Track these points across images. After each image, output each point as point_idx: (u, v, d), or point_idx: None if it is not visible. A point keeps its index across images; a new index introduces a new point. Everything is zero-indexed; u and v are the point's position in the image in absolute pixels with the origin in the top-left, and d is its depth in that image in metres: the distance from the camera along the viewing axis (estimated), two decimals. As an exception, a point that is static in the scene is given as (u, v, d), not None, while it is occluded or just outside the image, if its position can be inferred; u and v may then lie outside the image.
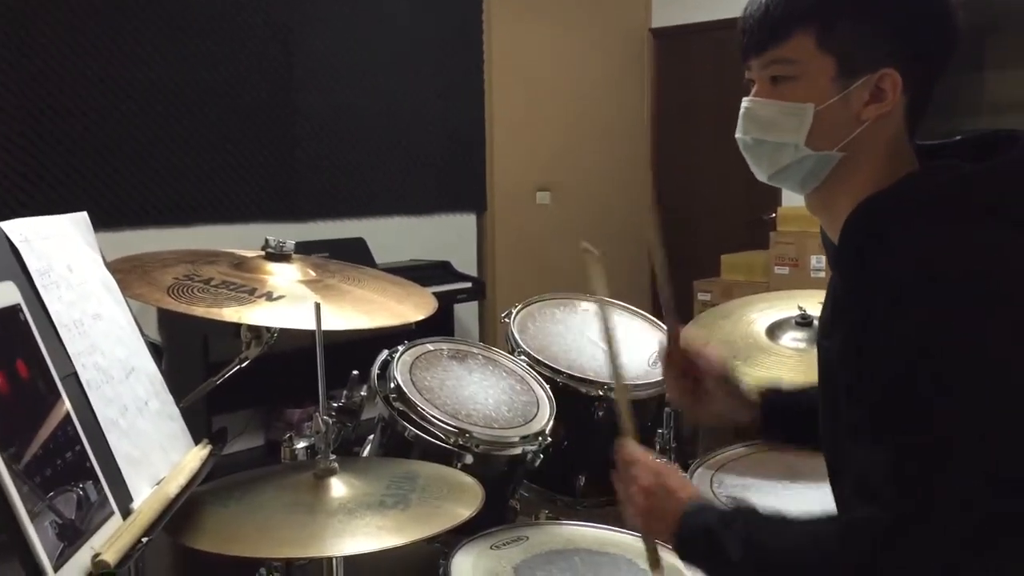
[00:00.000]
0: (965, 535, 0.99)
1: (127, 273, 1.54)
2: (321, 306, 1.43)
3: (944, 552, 0.98)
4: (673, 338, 1.40)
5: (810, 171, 1.15)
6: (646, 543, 1.27)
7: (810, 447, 1.37)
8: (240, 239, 3.94)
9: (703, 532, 1.14)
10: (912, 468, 0.98)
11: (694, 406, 1.44)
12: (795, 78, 1.12)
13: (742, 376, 1.43)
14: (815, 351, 1.27)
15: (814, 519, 1.12)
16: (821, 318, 1.28)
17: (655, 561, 1.27)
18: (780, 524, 1.13)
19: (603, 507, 2.03)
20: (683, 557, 1.19)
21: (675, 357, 1.41)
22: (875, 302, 1.03)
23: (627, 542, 1.62)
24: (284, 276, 1.70)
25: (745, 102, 1.18)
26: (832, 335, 1.17)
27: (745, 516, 1.15)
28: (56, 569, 0.92)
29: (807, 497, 1.77)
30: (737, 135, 1.20)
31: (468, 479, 1.53)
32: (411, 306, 1.76)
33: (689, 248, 5.89)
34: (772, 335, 2.14)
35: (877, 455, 1.01)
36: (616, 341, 1.39)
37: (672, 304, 1.36)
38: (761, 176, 1.21)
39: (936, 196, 1.07)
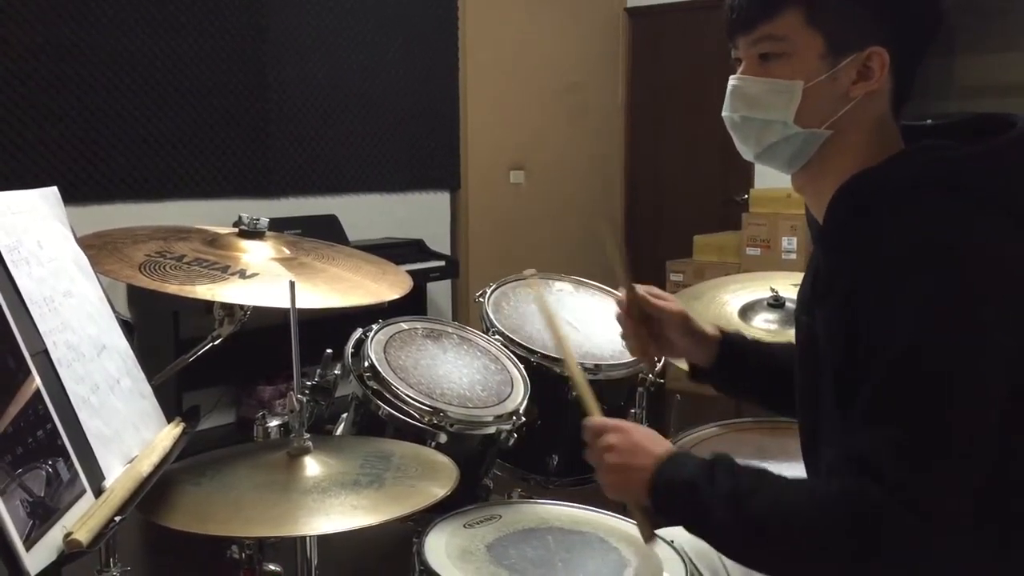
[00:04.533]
0: (968, 517, 1.00)
1: (98, 249, 1.53)
2: (295, 285, 1.42)
3: (947, 534, 0.99)
4: (629, 297, 1.49)
5: (798, 149, 1.15)
6: (634, 513, 1.23)
7: (749, 399, 1.47)
8: (212, 214, 3.90)
9: (684, 485, 1.11)
10: (917, 451, 0.98)
11: (654, 352, 1.54)
12: (784, 55, 1.12)
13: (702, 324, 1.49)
14: (787, 332, 1.29)
15: (801, 481, 1.12)
16: (800, 294, 1.29)
17: (648, 533, 1.23)
18: (766, 480, 1.10)
19: (576, 486, 2.04)
20: (661, 511, 1.16)
21: (632, 313, 1.49)
22: (870, 283, 1.04)
23: (600, 520, 1.63)
24: (258, 253, 1.69)
25: (733, 80, 1.18)
26: (814, 311, 1.17)
27: (727, 468, 1.11)
28: (28, 548, 0.91)
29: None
30: (724, 113, 1.20)
31: (442, 458, 1.53)
32: (386, 285, 1.76)
33: (662, 229, 5.91)
34: (744, 316, 2.15)
35: (880, 434, 1.01)
36: (560, 330, 1.51)
37: (625, 265, 1.45)
38: (748, 155, 1.20)
39: (929, 177, 1.08)
